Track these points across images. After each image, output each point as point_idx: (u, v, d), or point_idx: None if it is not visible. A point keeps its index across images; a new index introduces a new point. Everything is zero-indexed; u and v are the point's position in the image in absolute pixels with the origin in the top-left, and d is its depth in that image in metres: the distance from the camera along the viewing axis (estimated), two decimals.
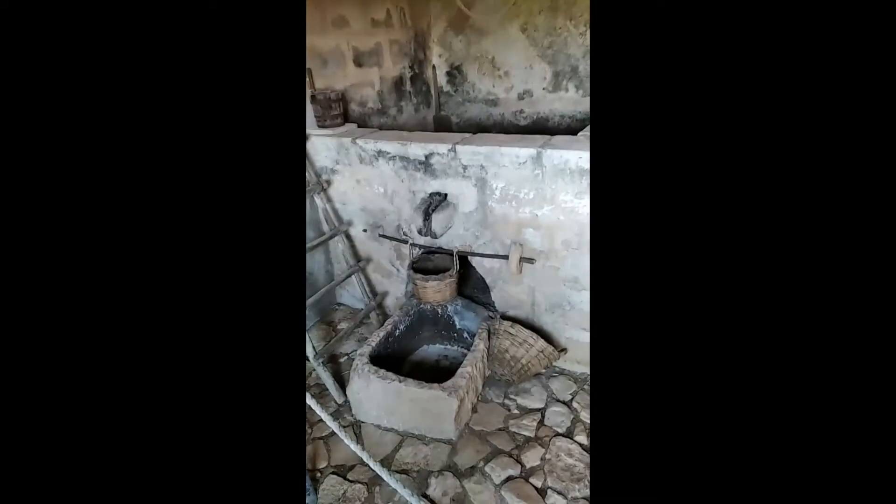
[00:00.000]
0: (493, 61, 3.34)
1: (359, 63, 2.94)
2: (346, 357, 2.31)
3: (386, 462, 1.71)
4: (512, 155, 1.86)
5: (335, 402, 2.01)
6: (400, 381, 1.79)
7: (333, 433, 1.64)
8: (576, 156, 1.73)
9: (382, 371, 1.84)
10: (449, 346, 2.31)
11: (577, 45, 2.95)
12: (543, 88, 3.21)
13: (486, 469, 1.65)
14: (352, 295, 2.69)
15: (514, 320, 2.09)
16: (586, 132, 2.02)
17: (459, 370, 1.84)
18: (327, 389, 2.03)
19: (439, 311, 2.24)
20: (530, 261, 1.97)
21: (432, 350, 2.32)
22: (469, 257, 2.15)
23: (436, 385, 1.76)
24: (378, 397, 1.84)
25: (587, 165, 1.72)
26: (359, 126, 2.56)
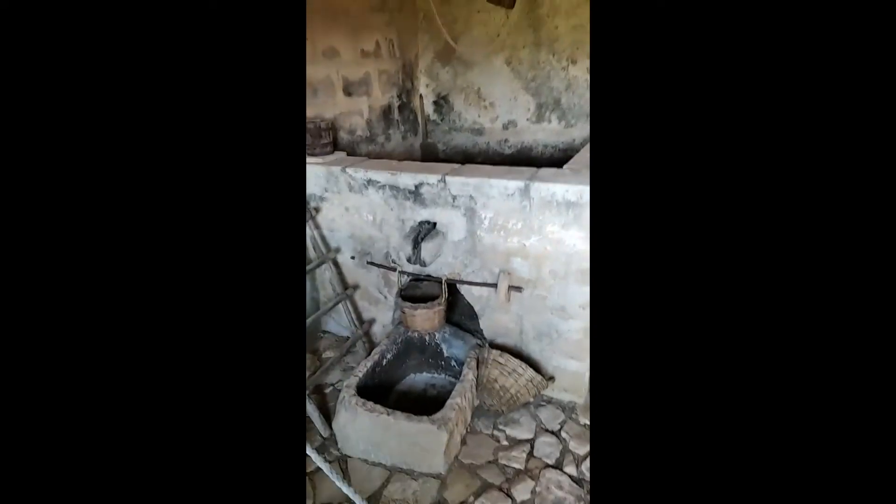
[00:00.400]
0: (478, 92, 3.44)
1: (348, 92, 2.99)
2: (331, 388, 2.26)
3: (374, 499, 1.66)
4: (500, 186, 1.90)
5: (320, 435, 1.95)
6: (388, 415, 1.76)
7: (319, 469, 1.59)
8: (562, 188, 1.79)
9: (370, 404, 1.81)
10: (436, 375, 2.29)
11: (560, 78, 3.07)
12: (527, 119, 3.32)
13: None
14: (337, 322, 2.65)
15: (503, 348, 2.09)
16: (572, 164, 2.09)
17: (449, 401, 1.82)
18: (312, 423, 1.97)
19: (427, 338, 2.23)
20: (518, 289, 1.99)
21: (419, 379, 2.29)
22: (457, 285, 2.17)
23: (425, 418, 1.74)
24: (365, 431, 1.80)
25: (573, 198, 1.77)
26: (348, 154, 2.58)
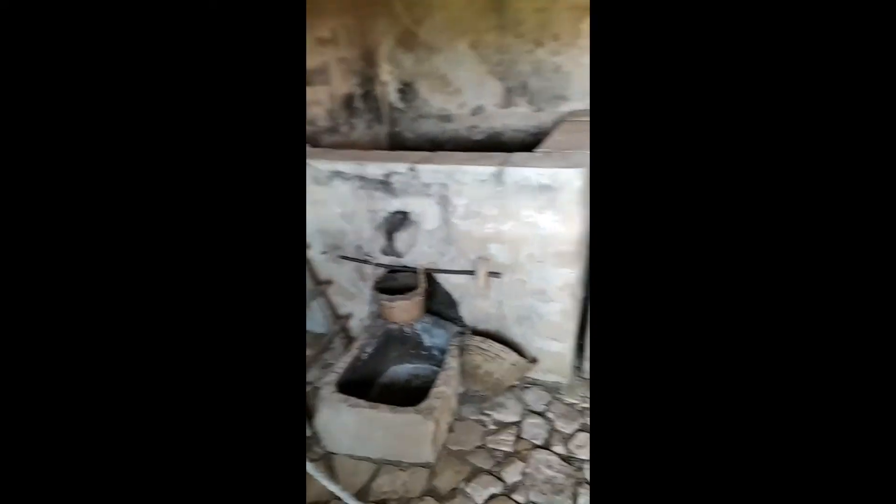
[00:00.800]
0: (444, 78, 3.39)
1: (307, 82, 2.87)
2: (311, 386, 2.21)
3: (363, 493, 1.64)
4: (473, 173, 1.88)
5: None
6: (372, 408, 1.74)
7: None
8: (535, 172, 1.78)
9: (353, 399, 1.78)
10: (419, 366, 2.27)
11: (526, 61, 3.06)
12: (495, 104, 3.30)
13: (468, 490, 1.63)
14: (312, 319, 2.58)
15: (484, 334, 2.09)
16: (543, 147, 2.09)
17: (433, 390, 1.81)
18: None
19: (407, 330, 2.20)
20: (497, 275, 1.99)
21: (402, 370, 2.27)
22: (435, 274, 2.14)
23: (410, 408, 1.72)
24: (350, 426, 1.77)
25: (547, 181, 1.77)
26: (311, 146, 2.49)
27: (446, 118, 3.52)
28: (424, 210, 2.03)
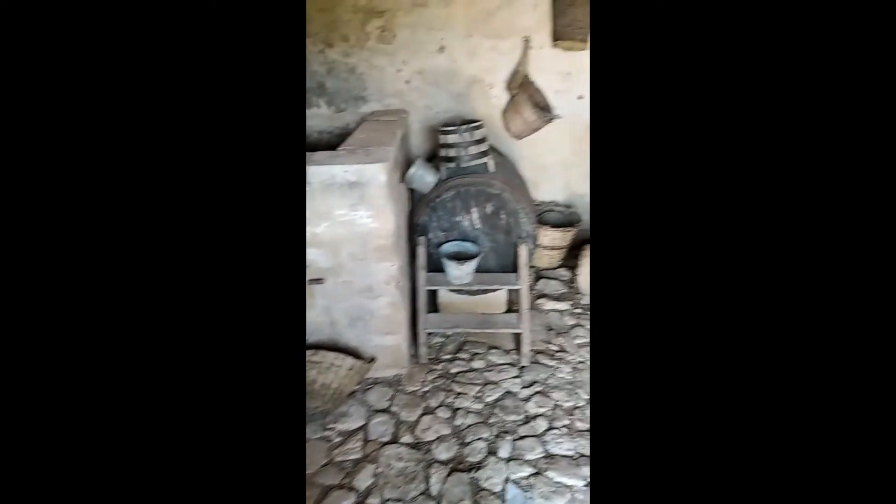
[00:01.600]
0: None
1: None
2: None
3: None
4: None
5: None
6: None
7: None
8: (341, 170, 1.75)
9: None
10: None
11: (319, 62, 2.98)
12: None
13: None
14: None
15: (316, 346, 1.97)
16: (346, 145, 2.07)
17: None
18: None
19: None
20: (319, 281, 1.89)
21: None
22: None
23: None
24: None
25: (354, 178, 1.76)
26: None
27: None
28: None
